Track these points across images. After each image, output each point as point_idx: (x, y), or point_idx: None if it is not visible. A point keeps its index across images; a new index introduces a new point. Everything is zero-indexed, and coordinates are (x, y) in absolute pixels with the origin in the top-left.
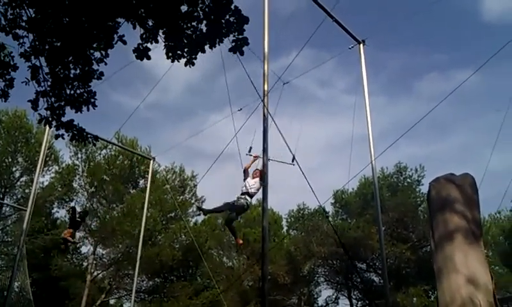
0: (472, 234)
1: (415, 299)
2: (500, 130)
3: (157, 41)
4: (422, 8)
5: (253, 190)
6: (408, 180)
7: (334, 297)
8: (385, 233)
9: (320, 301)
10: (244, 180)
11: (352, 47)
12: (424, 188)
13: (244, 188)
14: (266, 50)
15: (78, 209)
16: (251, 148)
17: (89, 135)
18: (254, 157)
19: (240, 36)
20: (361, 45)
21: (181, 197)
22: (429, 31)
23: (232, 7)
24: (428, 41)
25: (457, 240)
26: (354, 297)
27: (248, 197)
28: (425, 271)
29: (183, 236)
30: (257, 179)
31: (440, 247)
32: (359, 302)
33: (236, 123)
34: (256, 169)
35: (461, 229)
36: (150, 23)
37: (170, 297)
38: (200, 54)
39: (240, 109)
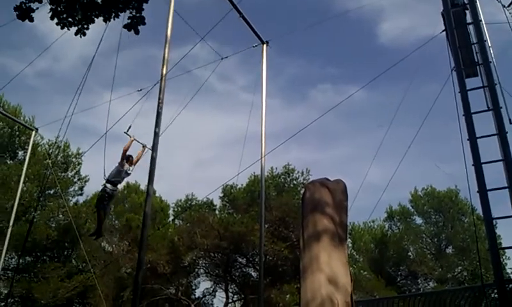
0: (338, 237)
1: (288, 296)
2: (380, 146)
3: (40, 1)
4: (323, 19)
5: (124, 176)
6: (294, 181)
7: (212, 289)
8: (267, 231)
9: (198, 293)
10: (122, 161)
11: (255, 46)
12: None
13: (118, 172)
14: (169, 33)
15: None
16: (130, 126)
17: None
18: (132, 139)
19: (137, 14)
20: (265, 45)
21: (63, 174)
22: (328, 43)
23: None
24: (325, 52)
25: (324, 241)
26: (230, 290)
27: (113, 187)
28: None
29: (61, 216)
30: (132, 166)
31: (307, 246)
32: (235, 296)
33: (133, 104)
34: (131, 156)
35: (328, 231)
36: None
37: (41, 278)
38: (97, 28)
39: (141, 90)
